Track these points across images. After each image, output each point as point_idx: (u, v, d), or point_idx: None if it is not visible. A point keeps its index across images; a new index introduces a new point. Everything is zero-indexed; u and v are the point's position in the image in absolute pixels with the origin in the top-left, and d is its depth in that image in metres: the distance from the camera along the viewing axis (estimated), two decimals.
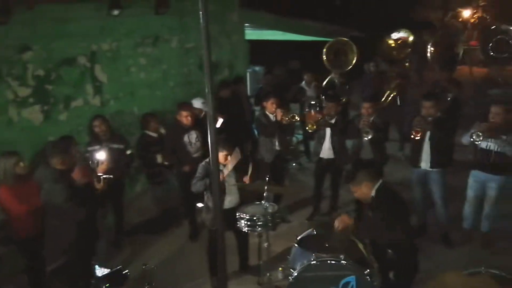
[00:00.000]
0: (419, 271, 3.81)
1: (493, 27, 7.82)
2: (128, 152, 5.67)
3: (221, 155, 4.47)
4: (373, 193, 3.70)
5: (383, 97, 7.96)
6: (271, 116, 6.03)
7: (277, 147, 6.10)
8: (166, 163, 5.85)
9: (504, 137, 4.80)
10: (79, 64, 5.92)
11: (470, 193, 5.28)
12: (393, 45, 8.11)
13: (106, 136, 5.45)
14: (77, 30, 5.81)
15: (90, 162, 4.62)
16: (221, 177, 4.20)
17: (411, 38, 7.98)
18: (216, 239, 4.58)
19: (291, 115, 5.94)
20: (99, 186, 4.27)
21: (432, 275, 4.50)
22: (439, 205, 5.40)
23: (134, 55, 6.54)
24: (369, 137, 5.44)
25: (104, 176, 4.28)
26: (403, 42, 8.06)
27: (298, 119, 6.05)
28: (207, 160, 4.55)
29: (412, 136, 5.18)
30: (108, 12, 5.99)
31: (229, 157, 4.54)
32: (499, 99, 6.76)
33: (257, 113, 7.53)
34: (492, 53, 7.54)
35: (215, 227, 4.55)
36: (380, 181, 3.75)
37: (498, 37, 7.48)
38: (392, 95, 8.01)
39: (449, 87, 7.73)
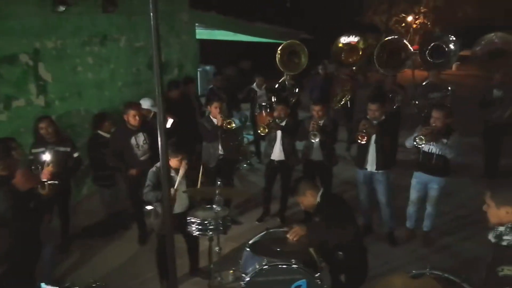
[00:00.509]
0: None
1: (430, 33, 8.29)
2: (75, 154, 5.49)
3: (174, 160, 4.43)
4: (318, 199, 3.81)
5: (333, 99, 8.19)
6: (215, 121, 5.90)
7: (220, 152, 5.97)
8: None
9: (444, 140, 5.08)
10: (21, 63, 5.65)
11: (413, 193, 5.53)
12: (342, 48, 8.30)
13: (52, 139, 5.22)
14: (18, 27, 5.53)
15: (33, 166, 4.40)
16: (172, 191, 4.13)
17: (361, 43, 8.19)
18: (164, 244, 4.61)
19: (227, 121, 5.79)
20: (43, 192, 4.07)
21: (379, 275, 4.77)
22: (384, 205, 5.60)
23: (81, 54, 6.32)
24: (317, 140, 5.55)
25: (49, 181, 4.08)
26: (352, 46, 8.27)
27: (234, 125, 5.95)
28: (158, 165, 4.50)
29: (358, 141, 5.32)
30: (52, 9, 5.76)
31: (183, 162, 4.49)
32: (439, 102, 7.12)
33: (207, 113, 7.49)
34: (429, 58, 7.92)
35: (163, 232, 4.54)
36: (322, 189, 3.89)
37: (435, 43, 7.90)
38: (346, 98, 8.26)
39: (397, 90, 8.11)
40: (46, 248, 4.46)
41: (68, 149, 5.35)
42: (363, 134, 5.23)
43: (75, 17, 6.14)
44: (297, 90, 8.62)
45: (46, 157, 4.23)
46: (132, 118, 5.48)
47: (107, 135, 5.75)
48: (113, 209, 6.02)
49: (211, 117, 5.96)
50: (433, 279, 2.62)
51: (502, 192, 2.41)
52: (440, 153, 5.12)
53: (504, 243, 2.33)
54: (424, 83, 8.23)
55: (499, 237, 2.38)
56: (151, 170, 4.58)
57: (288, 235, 3.70)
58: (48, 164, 4.16)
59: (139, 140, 5.58)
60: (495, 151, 7.63)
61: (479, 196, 6.79)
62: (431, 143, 5.10)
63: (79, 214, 6.20)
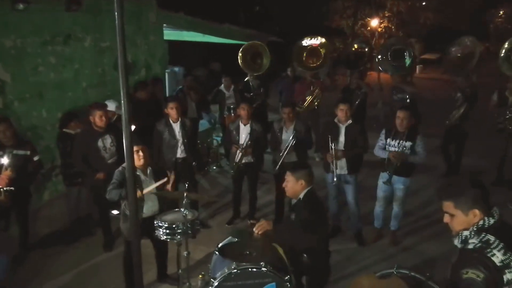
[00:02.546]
0: (332, 270, 3.97)
1: (391, 37, 8.59)
2: (35, 158, 5.25)
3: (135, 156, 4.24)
4: (301, 196, 3.76)
5: (303, 102, 8.24)
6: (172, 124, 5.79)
7: (180, 155, 5.85)
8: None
9: (409, 143, 5.19)
10: None
11: (380, 193, 5.60)
12: (304, 50, 8.39)
13: (10, 142, 4.93)
14: None
15: None
16: (138, 193, 4.00)
17: (323, 45, 8.28)
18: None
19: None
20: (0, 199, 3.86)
21: (347, 275, 4.81)
22: (352, 206, 5.66)
23: (42, 53, 6.08)
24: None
25: (5, 188, 3.86)
26: (314, 49, 8.36)
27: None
28: (124, 165, 4.36)
29: (327, 155, 5.42)
30: (12, 7, 5.52)
31: (140, 154, 4.34)
32: (403, 104, 7.27)
33: None
34: (390, 62, 8.15)
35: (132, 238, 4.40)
36: (311, 186, 3.81)
37: (396, 47, 8.14)
38: (314, 100, 8.33)
39: (361, 84, 8.30)
40: (1, 257, 4.21)
41: (28, 153, 5.10)
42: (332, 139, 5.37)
43: (36, 15, 5.91)
44: (261, 90, 8.66)
45: (4, 161, 4.03)
46: (98, 119, 5.29)
47: (74, 132, 5.60)
48: (77, 212, 5.82)
49: (170, 120, 5.80)
50: (400, 278, 2.63)
51: (464, 197, 2.40)
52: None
53: (470, 246, 2.34)
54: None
55: (465, 241, 2.39)
56: (117, 170, 4.45)
57: (254, 229, 3.66)
58: (6, 169, 3.97)
59: (106, 142, 5.39)
60: (457, 151, 7.84)
61: None
62: (397, 145, 5.22)
63: (40, 220, 5.95)
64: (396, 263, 2.90)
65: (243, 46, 8.23)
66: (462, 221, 2.40)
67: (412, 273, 2.77)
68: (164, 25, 8.97)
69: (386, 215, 5.70)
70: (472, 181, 2.40)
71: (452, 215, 2.44)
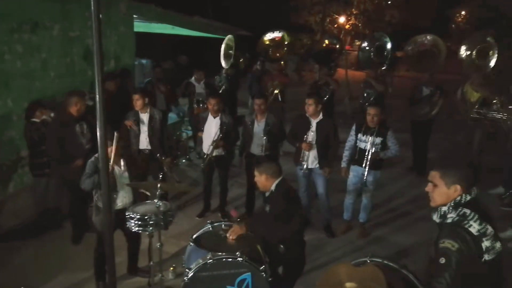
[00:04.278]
0: (307, 262, 4.08)
1: (373, 33, 8.81)
2: None
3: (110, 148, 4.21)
4: (273, 187, 3.83)
5: (268, 94, 8.35)
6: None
7: (146, 147, 6.01)
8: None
9: (379, 139, 5.37)
10: None
11: (350, 186, 5.76)
12: (268, 44, 8.55)
13: None
14: None
15: None
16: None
17: (286, 38, 8.47)
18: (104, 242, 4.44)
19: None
20: None
21: (318, 266, 4.93)
22: (323, 198, 5.78)
23: (8, 41, 5.86)
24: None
25: None
26: (277, 42, 8.53)
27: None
28: (96, 155, 4.32)
29: (303, 144, 5.53)
30: None
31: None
32: (373, 100, 7.48)
33: None
34: (372, 58, 8.35)
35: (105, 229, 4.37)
36: (281, 177, 3.88)
37: (377, 43, 8.34)
38: (275, 92, 8.46)
39: (329, 81, 8.46)
40: None
41: None
42: (307, 143, 5.52)
43: (2, 2, 5.69)
44: (223, 83, 8.78)
45: None
46: (75, 106, 5.30)
47: (40, 120, 5.50)
48: (44, 205, 5.69)
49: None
50: (375, 265, 2.75)
51: (453, 172, 2.57)
52: (373, 150, 5.38)
53: (449, 220, 2.53)
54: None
55: (444, 216, 2.58)
56: (89, 160, 4.40)
57: (227, 235, 3.73)
58: None
59: (83, 128, 5.39)
60: (422, 145, 8.13)
61: (409, 188, 7.28)
62: (366, 141, 5.39)
63: (5, 213, 5.77)
64: (367, 253, 3.01)
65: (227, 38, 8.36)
66: (443, 192, 2.58)
67: (386, 261, 2.90)
68: (134, 16, 8.83)
69: (355, 207, 5.86)
70: (470, 162, 2.59)
71: (435, 185, 2.62)
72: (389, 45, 8.27)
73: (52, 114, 5.63)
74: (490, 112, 6.73)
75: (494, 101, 6.82)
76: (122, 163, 4.50)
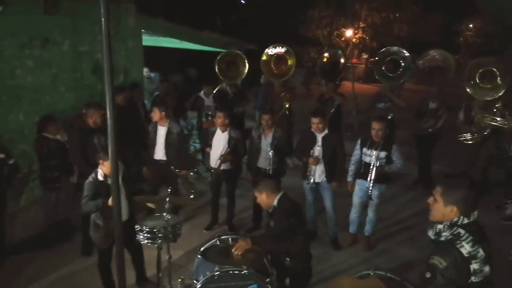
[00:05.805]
0: (313, 274, 4.09)
1: (384, 48, 8.69)
2: (11, 161, 5.22)
3: (107, 164, 4.22)
4: (275, 203, 3.86)
5: (277, 108, 8.35)
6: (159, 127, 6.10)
7: (162, 157, 6.05)
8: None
9: (384, 153, 5.39)
10: None
11: (356, 200, 5.77)
12: (270, 59, 8.48)
13: None
14: None
15: None
16: (110, 201, 4.00)
17: (288, 53, 8.39)
18: (106, 257, 4.49)
19: None
20: None
21: (325, 278, 4.93)
22: (329, 211, 5.80)
23: (20, 56, 6.01)
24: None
25: None
26: (280, 57, 8.48)
27: None
28: (93, 175, 4.38)
29: (309, 159, 5.57)
30: None
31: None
32: (382, 113, 7.45)
33: None
34: (385, 72, 8.27)
35: (105, 246, 4.42)
36: (281, 192, 3.91)
37: (390, 57, 8.29)
38: (283, 107, 8.47)
39: (335, 97, 8.45)
40: None
41: (3, 156, 5.08)
42: (314, 157, 5.55)
43: (14, 18, 5.83)
44: (239, 98, 8.74)
45: None
46: (90, 118, 5.45)
47: (53, 137, 5.57)
48: (55, 217, 5.75)
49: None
50: (378, 278, 2.76)
51: (454, 192, 2.57)
52: (378, 164, 5.40)
53: (442, 238, 2.55)
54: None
55: (438, 234, 2.59)
56: (87, 181, 4.40)
57: (233, 250, 3.77)
58: None
59: (101, 140, 5.44)
60: (427, 158, 8.11)
61: (414, 202, 7.26)
62: (371, 156, 5.42)
63: (16, 225, 5.85)
64: (372, 266, 3.03)
65: (220, 54, 8.30)
66: (440, 210, 2.60)
67: (389, 274, 2.91)
68: (142, 30, 8.98)
69: (361, 221, 5.87)
70: (472, 182, 2.58)
71: (435, 200, 2.63)
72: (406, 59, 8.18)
73: (66, 137, 5.72)
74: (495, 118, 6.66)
75: (497, 105, 6.75)
76: (120, 178, 4.51)
